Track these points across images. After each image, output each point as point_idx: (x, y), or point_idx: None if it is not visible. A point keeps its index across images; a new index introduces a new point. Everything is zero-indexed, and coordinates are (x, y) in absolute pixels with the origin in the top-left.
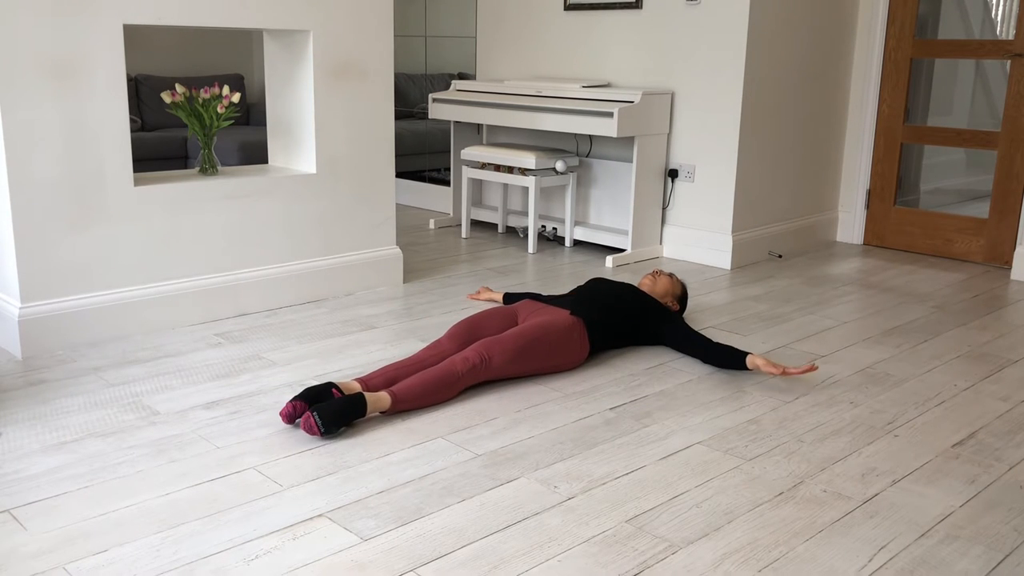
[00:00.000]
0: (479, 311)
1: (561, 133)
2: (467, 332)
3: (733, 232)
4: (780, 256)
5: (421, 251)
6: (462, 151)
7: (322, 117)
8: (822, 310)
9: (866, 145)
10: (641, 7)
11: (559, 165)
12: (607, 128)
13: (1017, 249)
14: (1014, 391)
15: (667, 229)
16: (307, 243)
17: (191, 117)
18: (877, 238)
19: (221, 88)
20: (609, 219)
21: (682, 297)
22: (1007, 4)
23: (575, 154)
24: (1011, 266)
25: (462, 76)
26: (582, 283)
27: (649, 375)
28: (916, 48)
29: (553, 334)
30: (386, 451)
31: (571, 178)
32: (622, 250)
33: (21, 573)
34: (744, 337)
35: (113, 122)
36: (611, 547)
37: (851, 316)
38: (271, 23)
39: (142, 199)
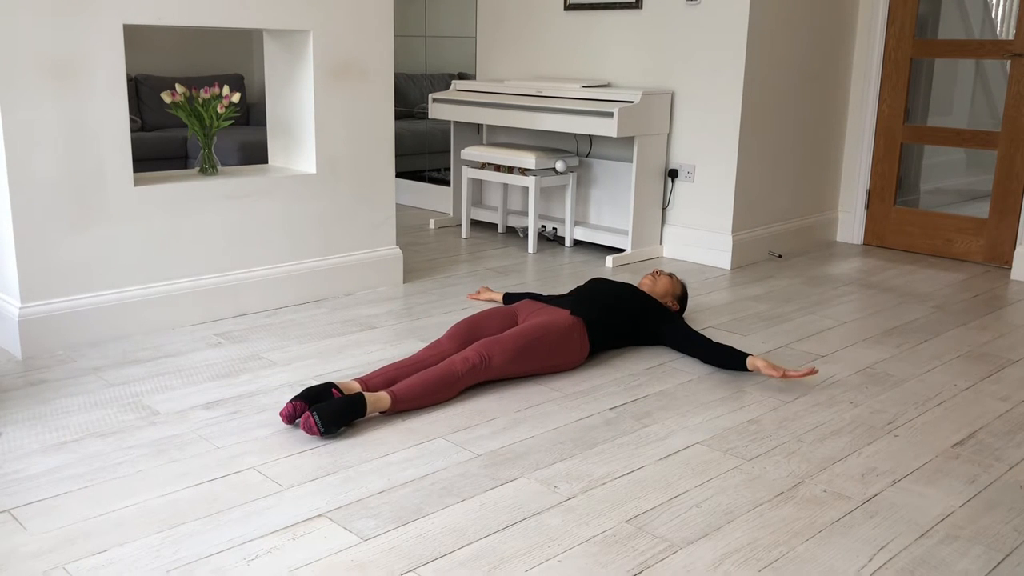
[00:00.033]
0: (479, 311)
1: (561, 133)
2: (467, 332)
3: (733, 232)
4: (780, 256)
5: (421, 251)
6: (462, 151)
7: (322, 117)
8: (822, 310)
9: (866, 145)
10: (641, 7)
11: (559, 165)
12: (607, 128)
13: (1017, 249)
14: (1014, 391)
15: (667, 229)
16: (307, 243)
17: (191, 117)
18: (877, 238)
19: (221, 88)
20: (609, 219)
21: (682, 297)
22: (1007, 4)
23: (575, 154)
24: (1011, 266)
25: (462, 76)
26: (582, 283)
27: (649, 375)
28: (916, 48)
29: (553, 334)
30: (386, 451)
31: (571, 178)
32: (622, 250)
33: (21, 573)
34: (744, 337)
35: (113, 122)
36: (611, 547)
37: (851, 316)
38: (271, 23)
39: (142, 199)
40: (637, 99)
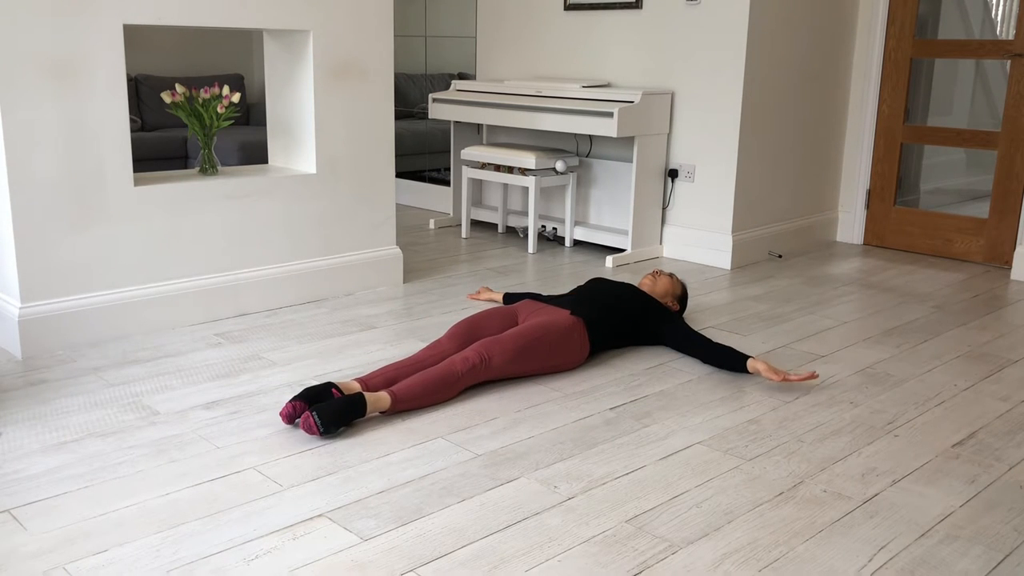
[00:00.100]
0: (479, 311)
1: (561, 133)
2: (467, 332)
3: (733, 232)
4: (780, 256)
5: (421, 251)
6: (462, 151)
7: (322, 117)
8: (822, 310)
9: (866, 145)
10: (641, 7)
11: (559, 165)
12: (607, 128)
13: (1017, 249)
14: (1014, 391)
15: (667, 229)
16: (307, 243)
17: (191, 117)
18: (877, 238)
19: (221, 88)
20: (609, 219)
21: (682, 297)
22: (1007, 4)
23: (575, 154)
24: (1011, 266)
25: (462, 76)
26: (582, 283)
27: (649, 375)
28: (916, 48)
29: (553, 334)
30: (386, 451)
31: (571, 178)
32: (622, 250)
33: (21, 573)
34: (744, 337)
35: (113, 122)
36: (611, 547)
37: (851, 316)
38: (271, 23)
39: (142, 199)
40: (637, 99)
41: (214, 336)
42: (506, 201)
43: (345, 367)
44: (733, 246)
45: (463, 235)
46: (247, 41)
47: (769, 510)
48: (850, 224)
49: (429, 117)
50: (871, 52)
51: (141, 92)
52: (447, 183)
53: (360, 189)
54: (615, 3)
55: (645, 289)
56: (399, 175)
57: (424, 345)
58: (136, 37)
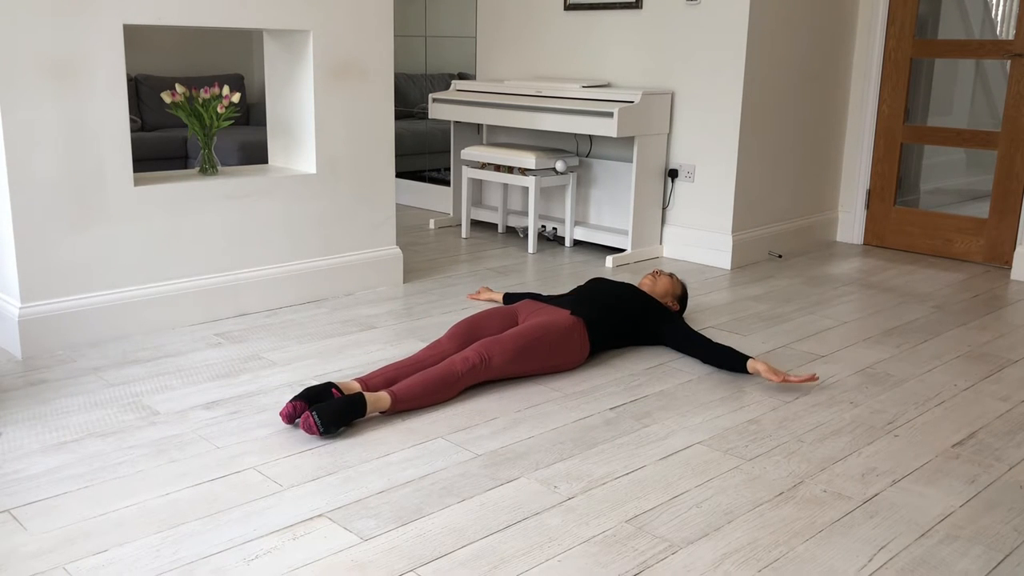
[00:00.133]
0: (479, 311)
1: (561, 133)
2: (467, 332)
3: (733, 232)
4: (780, 256)
5: (421, 251)
6: (462, 151)
7: (322, 117)
8: (822, 310)
9: (866, 145)
10: (641, 7)
11: (559, 165)
12: (607, 128)
13: (1017, 249)
14: (1014, 391)
15: (667, 229)
16: (307, 243)
17: (191, 117)
18: (877, 238)
19: (221, 88)
20: (609, 219)
21: (682, 297)
22: (1007, 4)
23: (575, 154)
24: (1011, 266)
25: (462, 76)
26: (582, 283)
27: (649, 375)
28: (916, 48)
29: (553, 334)
30: (386, 451)
31: (571, 178)
32: (622, 250)
33: (21, 573)
34: (744, 337)
35: (113, 122)
36: (611, 547)
37: (851, 316)
38: (271, 23)
39: (142, 199)
40: (637, 99)
41: (214, 336)
42: (506, 201)
43: (345, 367)
44: (733, 246)
45: (463, 235)
46: (247, 41)
47: (769, 510)
48: (850, 224)
49: (429, 117)
50: (871, 52)
51: (141, 92)
52: (447, 183)
53: (360, 189)
54: (615, 3)
55: (645, 289)
56: (399, 175)
57: (424, 345)
58: (136, 37)
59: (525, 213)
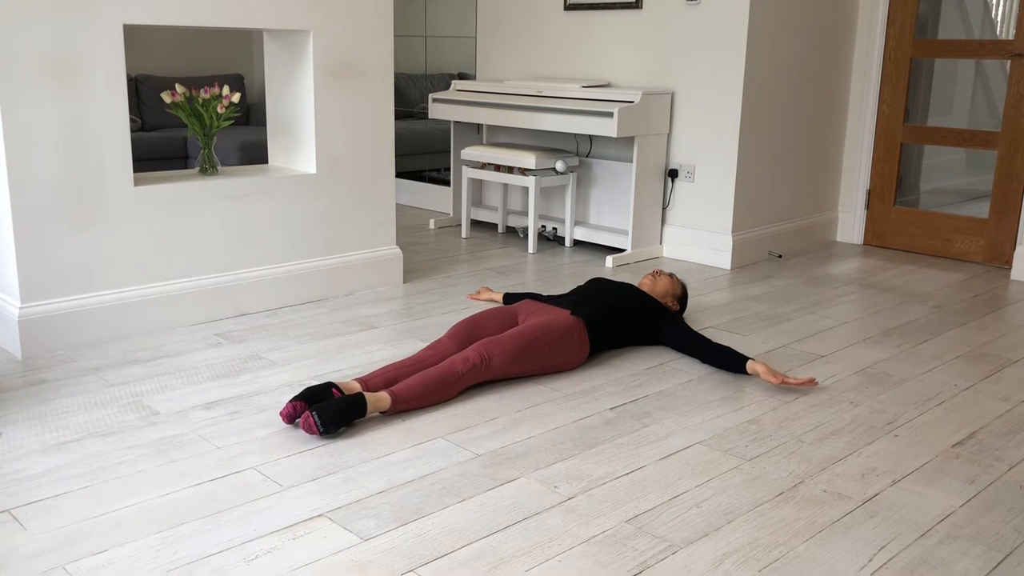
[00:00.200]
0: (479, 311)
1: (561, 133)
2: (467, 332)
3: (733, 232)
4: (780, 256)
5: (421, 251)
6: (462, 151)
7: (322, 117)
8: (822, 310)
9: (866, 145)
10: (641, 7)
11: (559, 165)
12: (607, 128)
13: (1017, 249)
14: (1014, 391)
15: (667, 229)
16: (307, 243)
17: (191, 117)
18: (877, 238)
19: (221, 88)
20: (609, 219)
21: (682, 297)
22: (1007, 4)
23: (575, 154)
24: (1011, 266)
25: (462, 76)
26: (582, 283)
27: (649, 375)
28: (916, 48)
29: (553, 334)
30: (386, 451)
31: (571, 178)
32: (622, 250)
33: (21, 573)
34: (744, 337)
35: (113, 122)
36: (611, 547)
37: (851, 316)
38: (271, 23)
39: (142, 199)
40: (637, 99)
41: (214, 336)
42: (506, 201)
43: (345, 367)
44: (733, 246)
45: (463, 235)
46: (247, 41)
47: (769, 510)
48: (850, 224)
49: (429, 117)
50: (871, 52)
51: (141, 92)
52: (447, 183)
53: (360, 189)
54: (615, 3)
55: (645, 289)
56: (399, 175)
57: (424, 345)
58: (136, 37)
59: (525, 213)
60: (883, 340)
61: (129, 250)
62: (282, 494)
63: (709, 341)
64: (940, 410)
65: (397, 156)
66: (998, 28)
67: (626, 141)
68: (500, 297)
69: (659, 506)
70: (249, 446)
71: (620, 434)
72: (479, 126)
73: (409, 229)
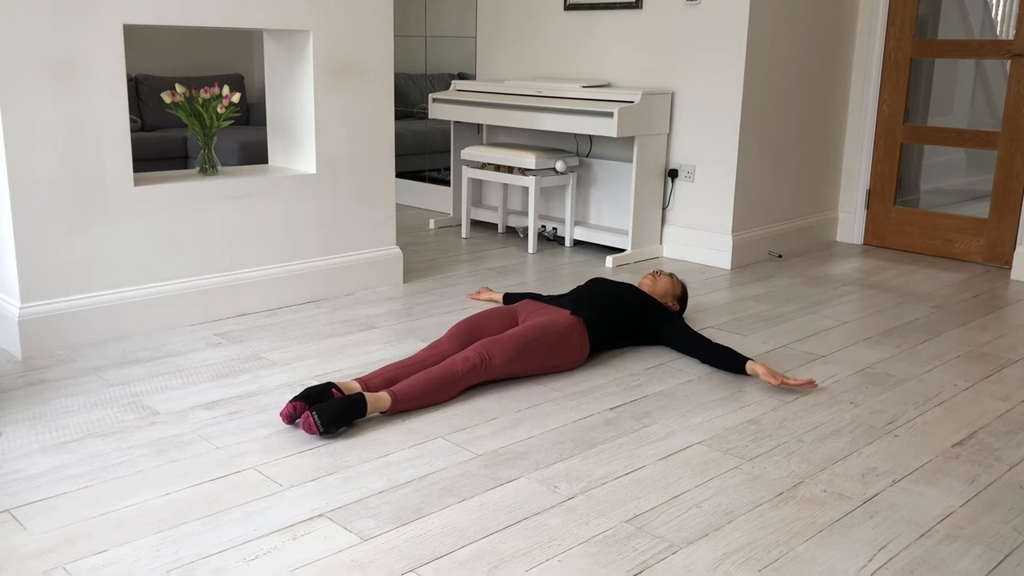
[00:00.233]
0: (479, 311)
1: (561, 133)
2: (467, 332)
3: (733, 232)
4: (780, 256)
5: (421, 251)
6: (462, 151)
7: (322, 117)
8: (822, 310)
9: (866, 145)
10: (641, 7)
11: (559, 165)
12: (607, 128)
13: (1017, 249)
14: (1014, 391)
15: (667, 229)
16: (307, 243)
17: (191, 117)
18: (877, 238)
19: (221, 88)
20: (609, 219)
21: (682, 297)
22: (1007, 4)
23: (575, 154)
24: (1011, 266)
25: (462, 76)
26: (582, 283)
27: (649, 375)
28: (916, 48)
29: (553, 334)
30: (386, 451)
31: (571, 178)
32: (622, 250)
33: (21, 573)
34: (744, 337)
35: (113, 122)
36: (611, 547)
37: (851, 316)
38: (271, 23)
39: (142, 199)
40: (637, 99)
41: (214, 336)
42: (506, 201)
43: (345, 367)
44: (733, 246)
45: (463, 235)
46: (247, 41)
47: (769, 510)
48: (850, 224)
49: (429, 117)
50: (871, 52)
51: (141, 92)
52: (447, 183)
53: (360, 189)
54: (615, 3)
55: (645, 289)
56: (399, 175)
57: (424, 345)
58: (136, 37)
59: (525, 213)
60: (883, 340)
61: (129, 250)
62: (282, 494)
63: (709, 341)
64: (940, 410)
65: (397, 156)
66: (998, 28)
67: (626, 141)
68: (500, 297)
69: (659, 506)
70: (249, 446)
71: (620, 434)
72: (479, 126)
73: (409, 229)
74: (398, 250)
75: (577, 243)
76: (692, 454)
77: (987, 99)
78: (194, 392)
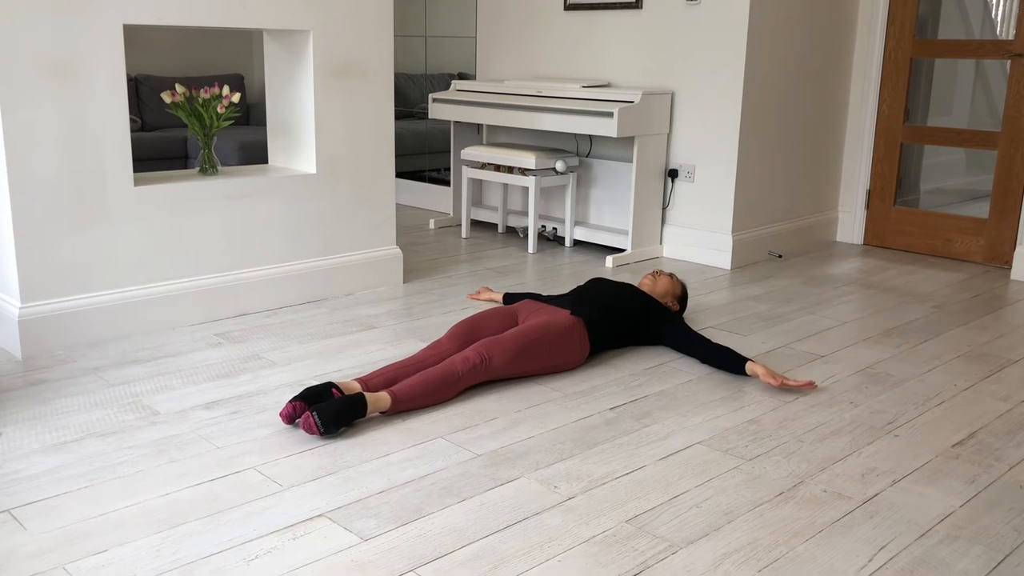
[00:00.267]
0: (479, 311)
1: (561, 133)
2: (467, 332)
3: (733, 232)
4: (780, 256)
5: (421, 251)
6: (462, 151)
7: (322, 117)
8: (822, 310)
9: (866, 145)
10: (641, 7)
11: (559, 165)
12: (607, 128)
13: (1017, 249)
14: (1014, 391)
15: (667, 229)
16: (307, 243)
17: (191, 117)
18: (877, 238)
19: (221, 88)
20: (609, 219)
21: (682, 297)
22: (1007, 4)
23: (575, 154)
24: (1011, 266)
25: (462, 76)
26: (582, 283)
27: (649, 375)
28: (916, 48)
29: (553, 334)
30: (386, 451)
31: (571, 178)
32: (622, 250)
33: (21, 573)
34: (744, 337)
35: (113, 122)
36: (611, 547)
37: (851, 316)
38: (271, 23)
39: (142, 199)
40: (637, 99)
41: (214, 336)
42: (506, 201)
43: (345, 367)
44: (733, 246)
45: (463, 235)
46: (247, 41)
47: (769, 510)
48: (850, 224)
49: (429, 117)
50: (871, 52)
51: (141, 92)
52: (447, 183)
53: (360, 189)
54: (615, 3)
55: (645, 289)
56: (399, 175)
57: (424, 345)
58: (136, 37)
59: (525, 213)
60: (883, 340)
61: (129, 250)
62: (282, 494)
63: (709, 341)
64: (940, 410)
65: (397, 156)
66: (998, 28)
67: (626, 141)
68: (500, 297)
69: (659, 506)
70: (249, 446)
71: (620, 434)
72: (479, 126)
73: (409, 229)
74: (398, 250)
75: (577, 243)
76: (692, 454)
77: (987, 99)
78: (194, 392)
